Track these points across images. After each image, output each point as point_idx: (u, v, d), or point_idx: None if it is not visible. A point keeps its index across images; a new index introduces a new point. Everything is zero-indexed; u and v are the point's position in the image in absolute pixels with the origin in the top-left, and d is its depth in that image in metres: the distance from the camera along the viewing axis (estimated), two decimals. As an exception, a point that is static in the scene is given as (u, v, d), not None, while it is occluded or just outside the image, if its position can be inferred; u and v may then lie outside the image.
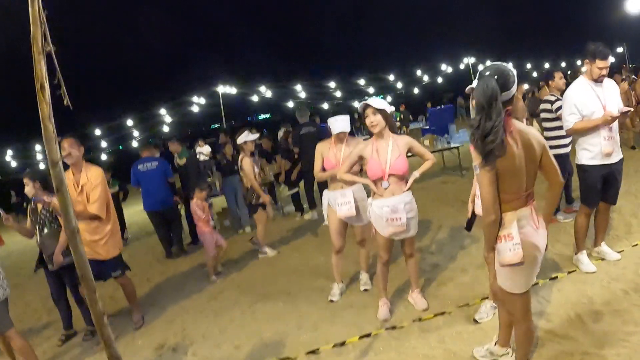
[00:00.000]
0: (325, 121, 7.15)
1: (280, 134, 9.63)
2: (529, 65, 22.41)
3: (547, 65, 23.79)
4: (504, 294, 2.46)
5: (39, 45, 1.37)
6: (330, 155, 4.15)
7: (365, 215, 4.22)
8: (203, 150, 12.13)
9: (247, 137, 5.88)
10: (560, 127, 4.47)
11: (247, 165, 5.86)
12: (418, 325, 3.61)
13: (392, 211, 3.45)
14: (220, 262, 5.94)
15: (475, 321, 3.47)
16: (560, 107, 5.26)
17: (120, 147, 17.27)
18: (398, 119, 17.92)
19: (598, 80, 3.77)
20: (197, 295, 5.15)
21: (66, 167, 4.10)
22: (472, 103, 3.39)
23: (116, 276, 4.40)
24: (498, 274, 2.43)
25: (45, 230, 4.18)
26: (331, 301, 4.30)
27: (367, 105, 3.51)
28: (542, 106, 5.34)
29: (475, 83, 3.21)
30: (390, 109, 3.57)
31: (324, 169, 4.24)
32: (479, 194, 2.27)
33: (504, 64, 2.33)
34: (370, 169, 3.52)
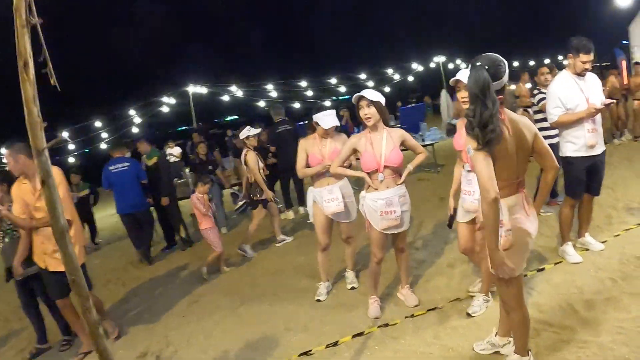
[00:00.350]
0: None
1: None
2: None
3: (515, 64, 24.42)
4: (498, 282, 2.48)
5: (23, 18, 1.21)
6: (315, 151, 4.04)
7: (353, 211, 4.16)
8: (173, 152, 11.77)
9: (248, 132, 5.91)
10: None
11: (252, 159, 5.88)
12: (411, 321, 3.55)
13: (386, 204, 3.39)
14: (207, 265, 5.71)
15: (469, 315, 3.44)
16: (541, 99, 5.34)
17: (87, 150, 16.56)
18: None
19: (581, 74, 3.81)
20: (177, 300, 4.93)
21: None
22: (459, 95, 3.37)
23: None
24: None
25: (6, 240, 3.89)
26: (318, 300, 4.19)
27: (361, 97, 3.42)
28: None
29: (460, 74, 3.20)
30: (383, 100, 3.49)
31: (307, 166, 4.13)
32: (478, 177, 2.21)
33: (495, 54, 2.34)
34: (365, 161, 3.44)
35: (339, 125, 4.16)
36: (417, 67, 16.08)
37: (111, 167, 6.37)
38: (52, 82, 1.30)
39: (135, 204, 6.35)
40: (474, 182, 3.15)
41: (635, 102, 8.53)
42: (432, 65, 15.97)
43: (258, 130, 6.27)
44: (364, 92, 3.43)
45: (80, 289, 1.42)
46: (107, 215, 10.24)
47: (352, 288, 4.33)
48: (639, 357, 2.63)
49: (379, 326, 3.53)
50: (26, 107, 1.28)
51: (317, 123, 4.03)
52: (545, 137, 5.38)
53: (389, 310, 3.80)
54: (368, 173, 3.45)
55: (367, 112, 3.42)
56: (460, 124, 3.37)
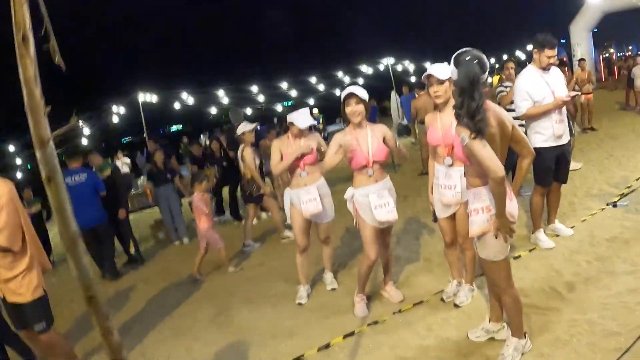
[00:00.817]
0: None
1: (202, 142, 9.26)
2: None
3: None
4: (488, 265, 2.58)
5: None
6: (290, 152, 3.94)
7: (331, 211, 4.09)
8: (125, 162, 11.26)
9: (245, 127, 5.81)
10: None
11: (248, 155, 5.78)
12: (400, 317, 3.52)
13: (378, 197, 3.36)
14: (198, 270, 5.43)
15: (457, 305, 3.46)
16: (500, 92, 5.53)
17: (29, 166, 15.37)
18: (321, 121, 18.02)
19: (546, 69, 3.97)
20: (150, 315, 4.62)
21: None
22: (431, 90, 3.36)
23: (40, 330, 3.13)
24: (480, 246, 2.56)
25: None
26: (299, 304, 4.07)
27: (351, 94, 3.36)
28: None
29: (433, 69, 3.20)
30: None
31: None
32: (482, 161, 2.29)
33: (476, 50, 2.50)
34: (354, 158, 3.38)
35: (314, 124, 4.10)
36: (367, 69, 16.27)
37: (67, 179, 5.88)
38: (55, 60, 1.12)
39: (94, 217, 5.87)
40: (454, 176, 3.18)
41: (583, 96, 9.07)
42: (381, 67, 16.22)
43: (254, 125, 6.06)
44: (354, 89, 3.38)
45: (99, 307, 1.22)
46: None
47: (333, 289, 4.24)
48: (627, 329, 2.74)
49: (369, 324, 3.47)
50: (25, 88, 1.09)
51: (291, 123, 3.94)
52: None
53: (374, 308, 3.75)
54: (359, 169, 3.39)
55: (356, 109, 3.37)
56: (431, 117, 3.36)
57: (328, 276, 4.35)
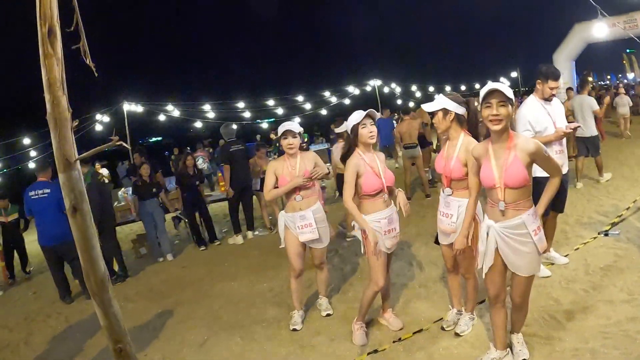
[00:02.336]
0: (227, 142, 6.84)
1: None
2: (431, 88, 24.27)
3: (447, 88, 25.83)
4: (528, 282, 2.70)
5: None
6: (286, 173, 3.83)
7: (326, 237, 3.96)
8: (103, 173, 10.89)
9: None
10: None
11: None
12: (400, 345, 3.41)
13: (388, 222, 3.32)
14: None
15: (457, 335, 3.38)
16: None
17: (5, 170, 14.70)
18: (306, 139, 17.91)
19: (548, 99, 3.99)
20: (134, 337, 4.24)
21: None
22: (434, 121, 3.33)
23: None
24: (529, 263, 2.61)
25: None
26: (294, 330, 3.92)
27: (366, 115, 3.34)
28: None
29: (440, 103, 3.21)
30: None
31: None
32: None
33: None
34: (369, 183, 3.28)
35: (306, 142, 4.03)
36: (353, 90, 16.38)
37: (31, 193, 5.62)
38: (87, 61, 0.98)
39: (56, 235, 5.49)
40: (452, 205, 3.18)
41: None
42: (368, 88, 16.35)
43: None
44: (369, 112, 3.36)
45: (129, 359, 1.08)
46: (35, 240, 9.20)
47: (328, 315, 4.10)
48: (631, 358, 2.74)
49: (369, 353, 3.36)
50: (50, 94, 0.95)
51: (286, 132, 3.82)
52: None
53: (373, 335, 3.64)
54: (371, 194, 3.30)
55: (373, 132, 3.32)
56: (445, 144, 3.33)
57: (323, 302, 4.20)
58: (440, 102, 3.16)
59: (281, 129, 3.81)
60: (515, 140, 2.54)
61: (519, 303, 2.79)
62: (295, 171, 3.81)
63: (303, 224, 3.76)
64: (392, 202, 3.44)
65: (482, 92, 2.50)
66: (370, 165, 3.32)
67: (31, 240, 7.45)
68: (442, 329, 3.49)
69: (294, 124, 3.84)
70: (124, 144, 1.38)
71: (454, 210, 3.15)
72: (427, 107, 3.23)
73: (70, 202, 0.96)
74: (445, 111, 3.13)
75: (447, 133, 3.23)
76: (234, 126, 8.24)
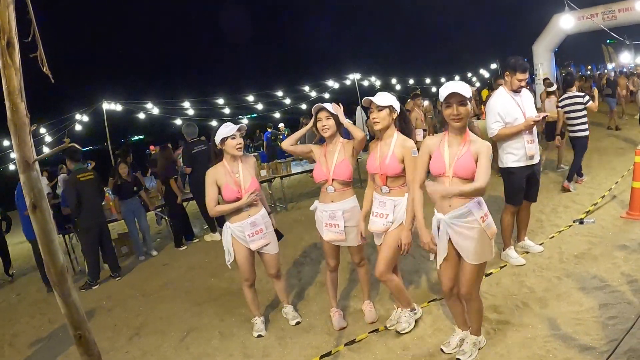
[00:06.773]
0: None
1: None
2: (411, 81, 24.35)
3: (427, 81, 25.99)
4: (475, 271, 2.72)
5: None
6: (229, 181, 3.49)
7: (275, 242, 3.74)
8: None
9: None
10: None
11: None
12: (376, 335, 3.46)
13: (329, 217, 3.42)
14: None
15: (399, 333, 3.37)
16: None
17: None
18: (287, 134, 17.78)
19: (517, 91, 4.07)
20: (115, 335, 4.38)
21: None
22: (371, 116, 3.29)
23: None
24: (480, 248, 2.65)
25: None
26: (260, 336, 3.77)
27: (322, 109, 3.36)
28: None
29: (376, 96, 3.20)
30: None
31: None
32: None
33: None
34: (316, 172, 3.45)
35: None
36: (333, 84, 16.40)
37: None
38: (44, 69, 1.02)
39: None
40: (387, 204, 3.17)
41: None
42: (348, 82, 16.39)
43: None
44: (325, 104, 3.36)
45: (90, 346, 1.11)
46: (19, 242, 9.08)
47: (297, 323, 3.87)
48: (601, 343, 2.80)
49: (346, 344, 3.40)
50: (9, 101, 0.99)
51: (224, 139, 3.45)
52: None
53: (351, 325, 3.68)
54: (319, 183, 3.45)
55: (326, 124, 3.35)
56: (373, 145, 3.30)
57: (289, 310, 3.98)
58: (389, 99, 3.13)
59: (315, 109, 3.41)
60: (470, 137, 2.66)
61: (465, 293, 2.77)
62: (240, 177, 3.52)
63: (253, 230, 3.54)
64: (343, 198, 3.41)
65: (443, 94, 2.59)
66: (325, 156, 3.41)
67: (12, 242, 7.37)
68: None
69: (329, 104, 3.39)
70: (75, 145, 1.42)
71: (389, 210, 3.15)
72: (378, 100, 3.11)
73: (31, 200, 1.02)
74: (392, 109, 3.13)
75: (380, 132, 3.20)
76: (213, 123, 8.09)
